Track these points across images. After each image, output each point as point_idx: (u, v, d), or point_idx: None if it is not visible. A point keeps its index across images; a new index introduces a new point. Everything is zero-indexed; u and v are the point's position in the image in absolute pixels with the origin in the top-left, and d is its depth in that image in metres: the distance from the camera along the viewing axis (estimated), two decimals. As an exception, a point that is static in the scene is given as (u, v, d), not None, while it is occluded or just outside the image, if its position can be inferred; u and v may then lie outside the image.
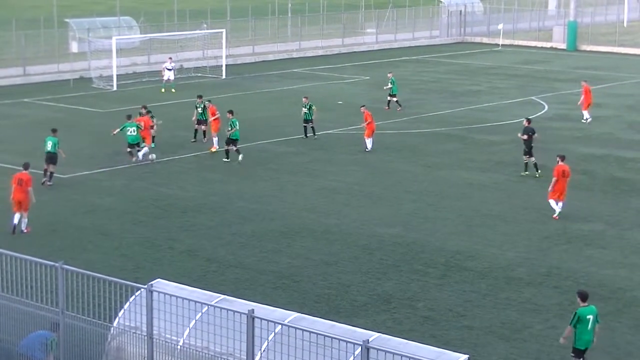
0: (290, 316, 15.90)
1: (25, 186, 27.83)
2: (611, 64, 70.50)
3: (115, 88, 54.22)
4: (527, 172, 35.14)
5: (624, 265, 25.86)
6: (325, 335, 14.16)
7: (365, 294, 23.31)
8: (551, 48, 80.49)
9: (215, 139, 38.81)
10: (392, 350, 13.60)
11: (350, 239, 27.52)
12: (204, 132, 40.12)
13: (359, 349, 13.68)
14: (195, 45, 66.50)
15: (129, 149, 36.39)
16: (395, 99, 48.74)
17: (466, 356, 14.81)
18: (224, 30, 62.04)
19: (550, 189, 30.07)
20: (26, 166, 28.90)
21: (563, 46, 79.87)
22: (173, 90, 52.67)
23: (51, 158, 32.95)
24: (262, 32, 75.91)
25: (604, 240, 28.01)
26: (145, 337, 15.93)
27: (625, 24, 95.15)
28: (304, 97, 41.88)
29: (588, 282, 24.40)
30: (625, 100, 53.89)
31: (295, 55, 72.07)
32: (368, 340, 13.74)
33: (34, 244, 26.18)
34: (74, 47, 63.92)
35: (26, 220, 27.89)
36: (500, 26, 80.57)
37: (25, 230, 27.83)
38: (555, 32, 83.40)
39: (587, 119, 46.58)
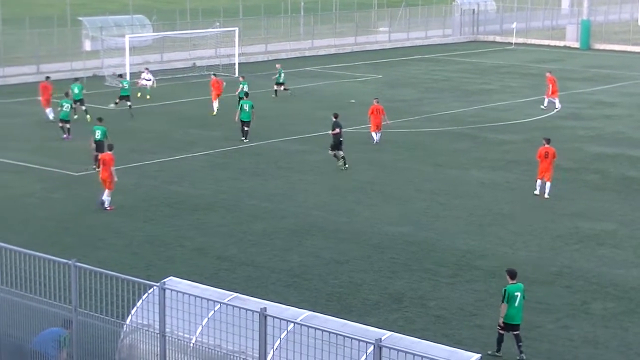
0: (302, 314, 15.92)
1: (107, 166, 29.73)
2: (624, 62, 70.29)
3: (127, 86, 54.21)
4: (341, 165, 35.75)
5: (636, 265, 25.80)
6: (337, 334, 14.17)
7: (376, 293, 23.33)
8: (564, 47, 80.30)
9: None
10: (405, 349, 13.60)
11: (361, 238, 27.53)
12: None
13: (371, 347, 13.68)
14: (207, 44, 66.56)
15: (60, 124, 40.18)
16: (282, 87, 50.33)
17: (478, 355, 14.81)
18: (236, 29, 62.09)
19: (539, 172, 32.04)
20: (110, 147, 30.68)
21: (576, 45, 79.65)
22: (148, 97, 51.52)
23: (100, 146, 33.80)
24: (275, 31, 75.94)
25: (616, 240, 27.95)
26: (158, 335, 15.97)
27: (639, 23, 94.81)
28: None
29: (600, 281, 24.38)
30: (638, 100, 53.72)
31: (307, 53, 72.09)
32: (380, 338, 13.73)
33: (46, 242, 26.28)
34: (87, 45, 64.04)
35: (109, 199, 29.71)
36: (514, 25, 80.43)
37: (108, 208, 29.62)
38: (569, 30, 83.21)
39: (545, 107, 49.09)
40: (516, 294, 19.70)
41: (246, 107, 39.93)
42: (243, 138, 39.81)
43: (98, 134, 34.33)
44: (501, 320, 19.83)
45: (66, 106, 40.48)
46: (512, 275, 19.93)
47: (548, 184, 31.84)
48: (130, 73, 54.19)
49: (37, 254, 17.13)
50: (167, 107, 48.47)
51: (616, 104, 51.80)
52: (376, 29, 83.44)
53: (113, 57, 58.39)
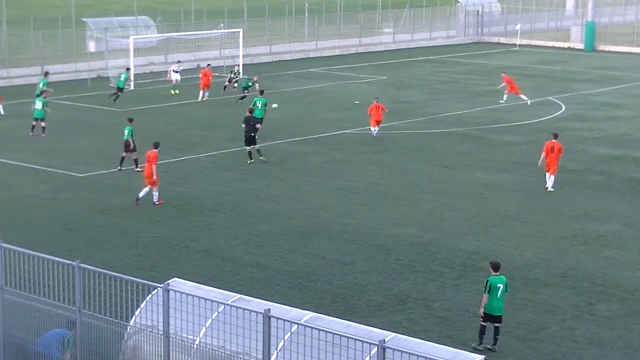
0: (307, 316, 15.90)
1: (150, 163, 30.38)
2: (629, 64, 70.20)
3: (132, 87, 54.34)
4: (252, 161, 36.34)
5: (642, 267, 25.75)
6: (341, 335, 14.15)
7: (381, 294, 23.30)
8: (569, 48, 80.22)
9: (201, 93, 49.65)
10: (409, 351, 13.57)
11: (366, 239, 27.51)
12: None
13: (375, 348, 13.66)
14: (212, 45, 66.61)
15: (33, 123, 41.04)
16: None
17: (482, 357, 14.78)
18: (241, 30, 62.10)
19: (539, 163, 33.27)
20: (156, 145, 31.15)
21: (581, 46, 79.57)
22: (175, 92, 52.45)
23: (126, 145, 34.63)
24: (279, 32, 75.97)
25: (622, 241, 27.89)
26: (162, 336, 15.96)
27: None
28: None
29: (605, 283, 24.33)
30: (643, 101, 53.66)
31: (312, 55, 72.10)
32: (384, 340, 13.71)
33: (51, 243, 26.30)
34: (92, 46, 64.14)
35: (156, 193, 30.49)
36: (518, 27, 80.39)
37: (157, 203, 30.40)
38: (573, 32, 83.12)
39: (505, 100, 51.07)
40: (498, 285, 20.01)
41: (259, 104, 40.19)
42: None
43: (126, 134, 34.93)
44: (481, 310, 20.14)
45: (38, 104, 41.29)
46: (495, 267, 20.27)
47: (552, 177, 32.81)
48: (134, 75, 54.25)
49: (42, 255, 17.13)
50: (171, 108, 48.49)
51: (621, 105, 51.72)
52: (380, 31, 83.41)
53: (117, 58, 58.42)
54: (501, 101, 51.03)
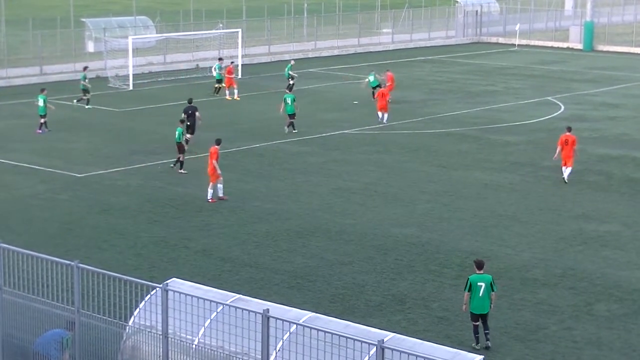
0: (305, 316, 15.90)
1: (211, 159, 31.07)
2: (628, 64, 70.23)
3: (131, 87, 54.39)
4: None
5: (640, 267, 25.77)
6: (340, 335, 14.15)
7: (380, 294, 23.30)
8: (567, 48, 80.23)
9: (227, 91, 50.66)
10: (407, 351, 13.58)
11: (365, 239, 27.51)
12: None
13: (374, 348, 13.67)
14: (211, 45, 66.59)
15: (42, 121, 41.59)
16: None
17: (481, 357, 14.78)
18: (239, 30, 62.08)
19: (555, 156, 34.32)
20: (218, 142, 31.96)
21: (579, 46, 79.60)
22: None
23: (180, 147, 35.18)
24: (278, 32, 75.95)
25: (620, 242, 27.91)
26: (161, 336, 15.96)
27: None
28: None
29: (603, 283, 24.34)
30: (642, 101, 53.69)
31: (311, 55, 72.09)
32: (383, 340, 13.72)
33: (49, 243, 26.29)
34: (90, 46, 64.11)
35: (221, 186, 31.10)
36: (517, 27, 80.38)
37: (223, 197, 31.05)
38: (572, 32, 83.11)
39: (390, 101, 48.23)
40: (479, 284, 20.09)
41: (289, 101, 42.15)
42: (288, 130, 42.12)
43: (177, 135, 35.29)
44: (464, 307, 20.40)
45: (40, 101, 41.62)
46: (478, 265, 20.37)
47: (569, 169, 34.00)
48: (132, 75, 54.20)
49: (41, 255, 17.13)
50: (170, 108, 48.45)
51: (620, 105, 51.74)
52: (379, 31, 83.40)
53: (116, 58, 58.40)
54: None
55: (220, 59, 54.83)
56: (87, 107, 47.46)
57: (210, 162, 31.21)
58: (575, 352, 20.33)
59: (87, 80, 48.51)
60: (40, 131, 41.56)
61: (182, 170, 34.75)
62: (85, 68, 51.20)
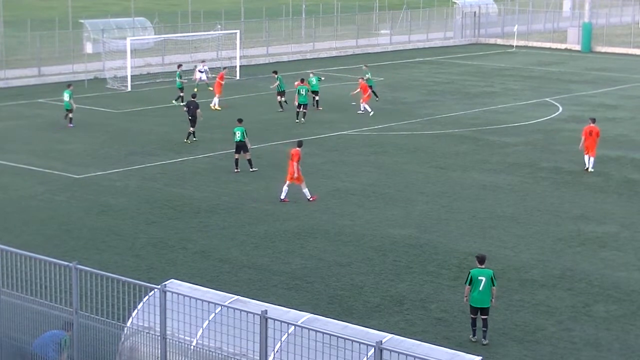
0: (303, 317, 15.89)
1: (292, 161, 31.17)
2: (626, 65, 70.28)
3: (129, 89, 54.39)
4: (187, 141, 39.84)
5: (638, 268, 25.75)
6: (338, 336, 14.16)
7: (378, 295, 23.30)
8: (566, 49, 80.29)
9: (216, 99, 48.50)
10: (405, 352, 13.59)
11: (363, 240, 27.51)
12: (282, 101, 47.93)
13: (372, 350, 13.67)
14: (209, 46, 66.60)
15: (70, 115, 43.19)
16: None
17: (479, 358, 14.78)
18: (238, 31, 62.11)
19: (580, 146, 36.14)
20: (299, 144, 32.19)
21: (578, 47, 79.65)
22: (210, 88, 52.44)
23: (240, 147, 35.05)
24: (276, 33, 75.98)
25: (618, 242, 27.92)
26: (159, 337, 15.96)
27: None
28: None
29: (602, 284, 24.35)
30: (640, 102, 53.73)
31: (309, 56, 72.10)
32: (381, 341, 13.73)
33: (48, 244, 26.28)
34: (89, 47, 64.08)
35: (305, 189, 31.29)
36: (515, 28, 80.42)
37: (310, 199, 31.24)
38: (570, 33, 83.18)
39: (364, 111, 47.01)
40: (480, 278, 20.34)
41: (303, 92, 44.49)
42: (298, 120, 44.50)
43: (238, 135, 35.03)
44: (465, 300, 20.72)
45: (66, 96, 43.25)
46: (480, 260, 20.68)
47: (592, 159, 35.94)
48: (131, 76, 54.16)
49: (39, 256, 17.13)
50: (168, 109, 48.47)
51: (618, 106, 51.77)
52: (377, 32, 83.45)
53: (114, 59, 58.40)
54: (359, 112, 47.18)
55: (179, 65, 52.67)
56: (181, 104, 47.29)
57: (290, 164, 31.25)
58: (574, 353, 20.33)
59: (182, 79, 49.86)
60: (72, 125, 42.99)
61: (253, 169, 35.06)
62: (179, 66, 52.11)
